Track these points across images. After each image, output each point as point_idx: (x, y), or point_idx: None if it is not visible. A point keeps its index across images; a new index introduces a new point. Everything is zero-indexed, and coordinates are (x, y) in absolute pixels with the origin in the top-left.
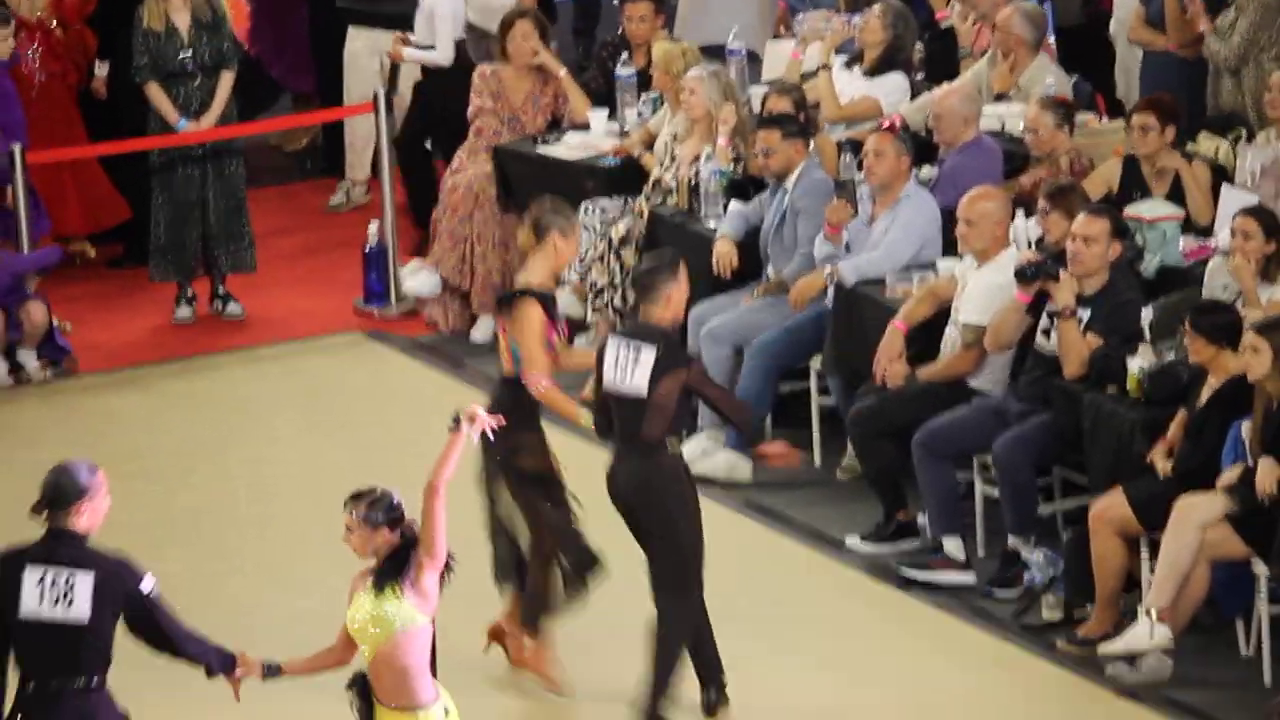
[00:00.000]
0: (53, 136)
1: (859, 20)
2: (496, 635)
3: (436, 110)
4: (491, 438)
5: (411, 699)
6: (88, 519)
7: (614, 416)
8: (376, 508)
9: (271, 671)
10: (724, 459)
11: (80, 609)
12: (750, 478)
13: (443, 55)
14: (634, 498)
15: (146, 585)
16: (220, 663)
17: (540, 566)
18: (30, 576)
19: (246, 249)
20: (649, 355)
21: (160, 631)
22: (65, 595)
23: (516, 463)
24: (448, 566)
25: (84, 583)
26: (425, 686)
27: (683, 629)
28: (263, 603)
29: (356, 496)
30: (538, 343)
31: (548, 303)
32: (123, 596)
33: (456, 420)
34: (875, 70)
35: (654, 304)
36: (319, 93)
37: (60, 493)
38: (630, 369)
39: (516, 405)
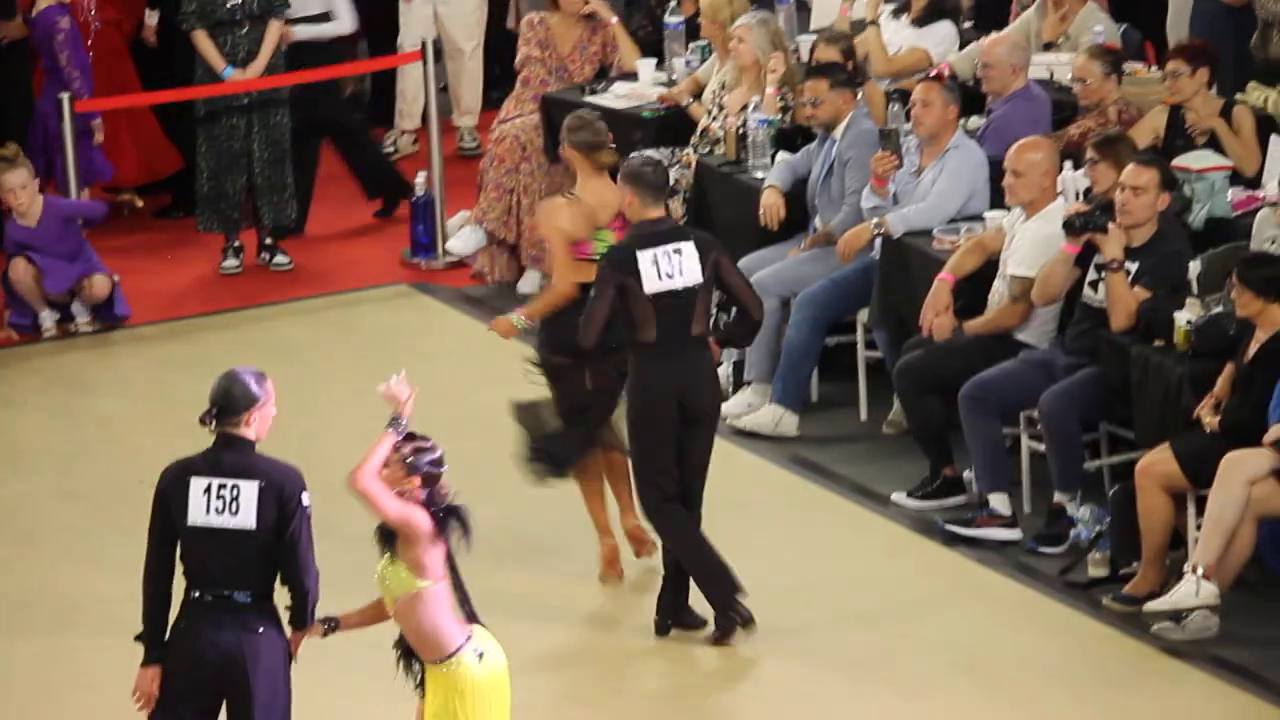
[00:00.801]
0: (109, 85)
1: None
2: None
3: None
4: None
5: (434, 653)
6: (256, 427)
7: (649, 322)
8: (420, 455)
9: (330, 627)
10: (770, 412)
11: (246, 517)
12: (796, 431)
13: (345, 24)
14: (713, 401)
15: (306, 499)
16: (309, 615)
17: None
18: (197, 486)
19: (287, 201)
20: (689, 246)
21: (295, 553)
22: (232, 503)
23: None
24: (445, 528)
25: (249, 491)
26: (447, 638)
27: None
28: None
29: (410, 436)
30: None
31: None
32: (283, 503)
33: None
34: (923, 19)
35: (659, 203)
36: (370, 42)
37: (230, 401)
38: (678, 264)
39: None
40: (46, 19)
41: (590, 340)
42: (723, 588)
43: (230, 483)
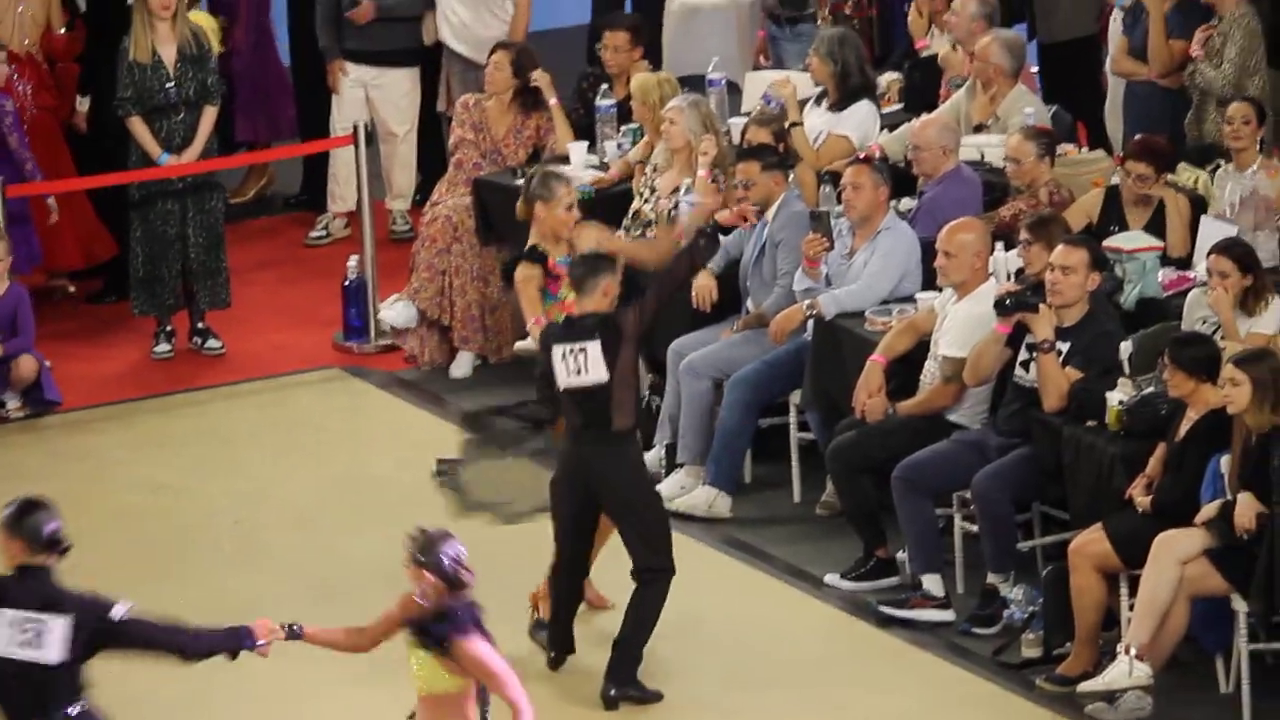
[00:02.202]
0: (46, 170)
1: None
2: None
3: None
4: None
5: None
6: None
7: (573, 410)
8: (413, 545)
9: (294, 634)
10: (703, 494)
11: (50, 651)
12: (730, 512)
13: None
14: (603, 487)
15: (117, 613)
16: (235, 641)
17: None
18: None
19: (222, 285)
20: (594, 346)
21: (156, 642)
22: (37, 637)
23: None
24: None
25: (56, 625)
26: None
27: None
28: None
29: (415, 534)
30: (533, 295)
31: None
32: (95, 631)
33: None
34: (839, 104)
35: (591, 296)
36: (300, 127)
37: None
38: (583, 363)
39: None
40: None
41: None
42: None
43: (35, 616)
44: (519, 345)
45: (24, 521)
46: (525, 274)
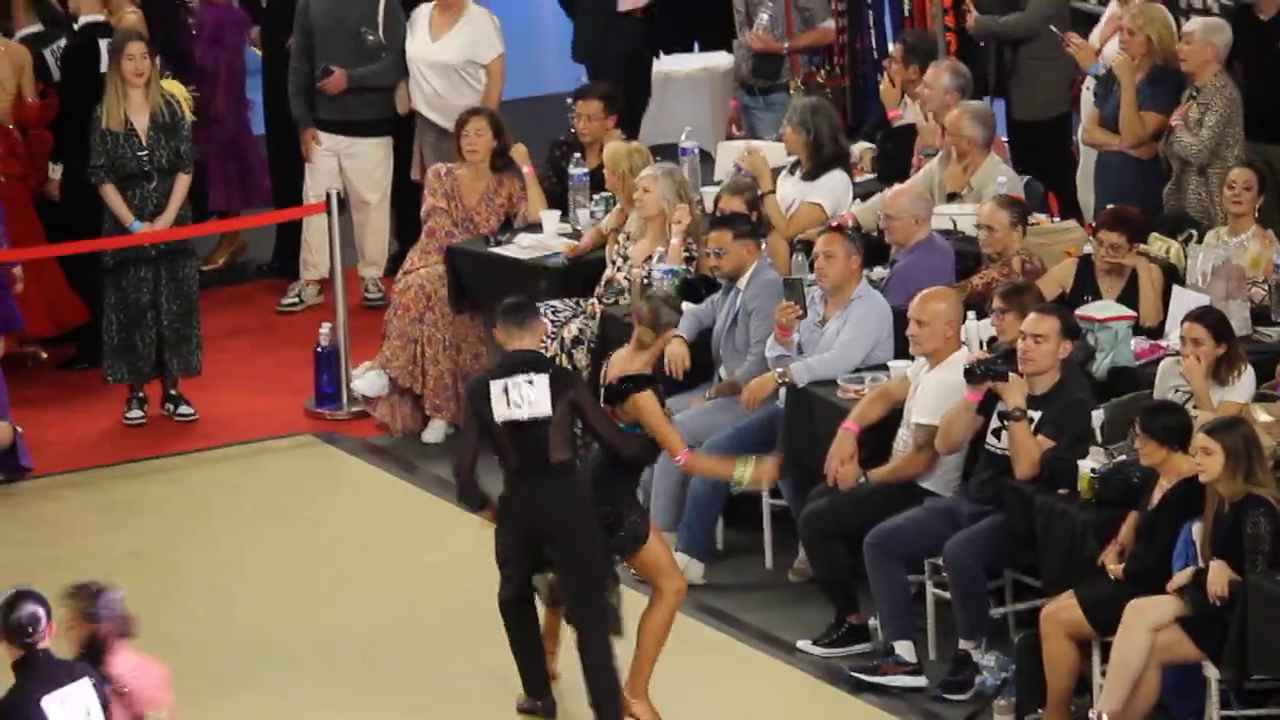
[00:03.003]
0: (13, 238)
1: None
2: None
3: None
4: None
5: None
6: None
7: (510, 450)
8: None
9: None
10: (678, 560)
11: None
12: (701, 578)
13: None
14: (550, 522)
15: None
16: None
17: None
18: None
19: (194, 352)
20: (542, 379)
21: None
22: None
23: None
24: None
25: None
26: None
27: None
28: (215, 706)
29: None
30: (666, 423)
31: (656, 386)
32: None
33: None
34: (812, 173)
35: (528, 334)
36: (274, 195)
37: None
38: (526, 396)
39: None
40: None
41: (461, 477)
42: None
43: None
44: None
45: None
46: (654, 401)
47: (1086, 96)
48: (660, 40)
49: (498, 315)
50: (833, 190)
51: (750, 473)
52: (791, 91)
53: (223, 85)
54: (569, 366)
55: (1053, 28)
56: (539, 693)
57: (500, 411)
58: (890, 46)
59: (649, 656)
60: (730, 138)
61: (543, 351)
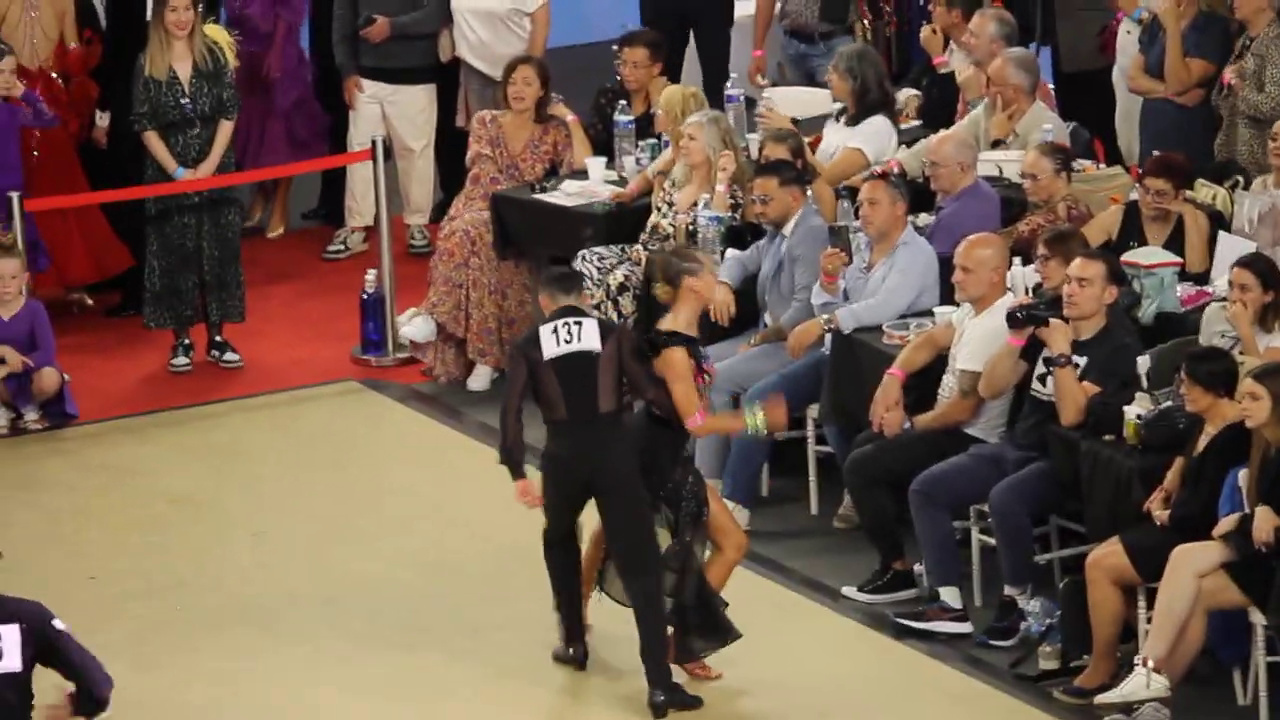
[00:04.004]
0: (56, 185)
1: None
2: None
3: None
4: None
5: None
6: None
7: (558, 398)
8: None
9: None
10: None
11: (12, 659)
12: (747, 525)
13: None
14: (622, 476)
15: (58, 623)
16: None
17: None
18: None
19: (238, 299)
20: (591, 321)
21: (84, 667)
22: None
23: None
24: None
25: (8, 632)
26: None
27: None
28: (261, 649)
29: None
30: (689, 386)
31: (693, 346)
32: (41, 639)
33: None
34: (855, 119)
35: (573, 296)
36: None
37: None
38: (577, 332)
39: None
40: None
41: (509, 437)
42: (568, 628)
43: None
44: None
45: None
46: (684, 362)
47: (1125, 40)
48: None
49: (542, 281)
50: (875, 136)
51: (760, 421)
52: (856, 35)
53: (279, 46)
54: (614, 315)
55: None
56: (574, 639)
57: (549, 349)
58: None
59: None
60: (758, 87)
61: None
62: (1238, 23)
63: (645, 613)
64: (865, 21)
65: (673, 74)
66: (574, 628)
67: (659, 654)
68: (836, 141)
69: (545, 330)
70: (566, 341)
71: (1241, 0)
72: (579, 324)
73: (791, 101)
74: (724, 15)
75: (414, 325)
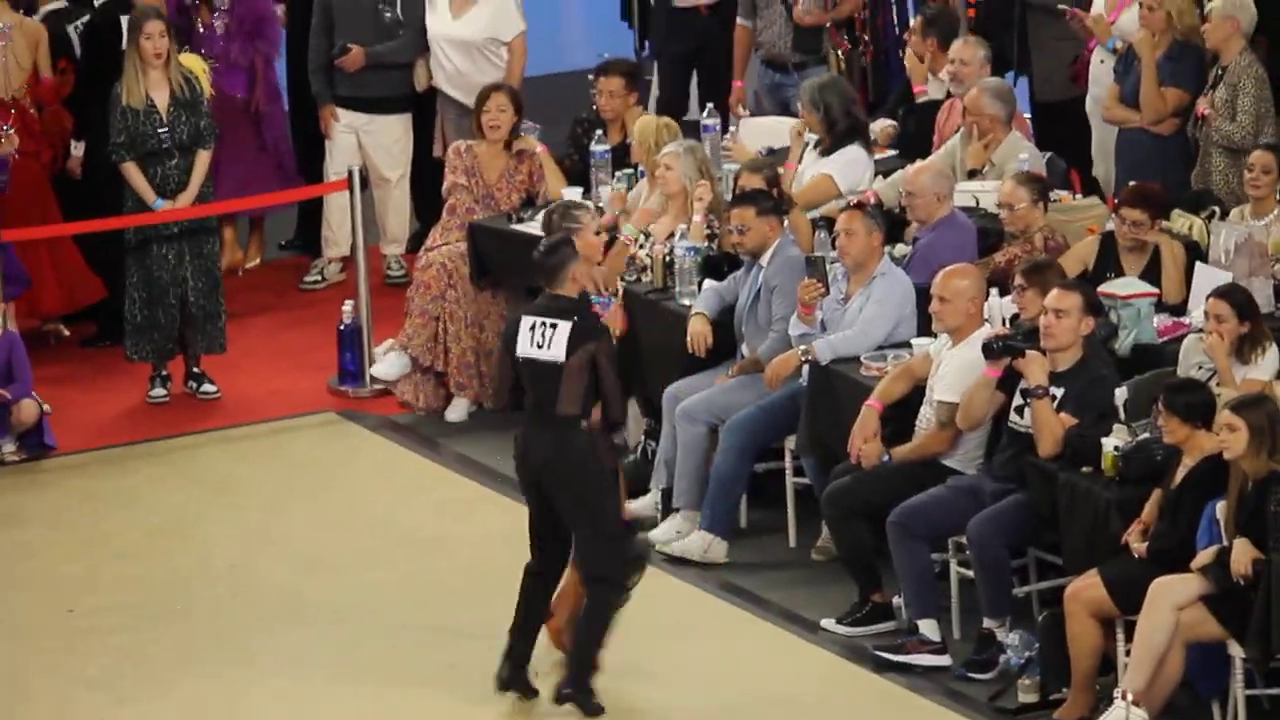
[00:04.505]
0: (27, 216)
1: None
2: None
3: None
4: None
5: None
6: None
7: (527, 389)
8: None
9: None
10: (699, 539)
11: None
12: (725, 558)
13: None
14: (546, 472)
15: None
16: None
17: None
18: None
19: (220, 329)
20: (565, 326)
21: None
22: None
23: None
24: None
25: None
26: None
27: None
28: (238, 681)
29: None
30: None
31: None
32: None
33: None
34: (829, 150)
35: (560, 285)
36: (300, 170)
37: None
38: (548, 338)
39: None
40: None
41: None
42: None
43: None
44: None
45: None
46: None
47: (1099, 69)
48: None
49: (533, 260)
50: (848, 165)
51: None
52: (830, 64)
53: (261, 79)
54: None
55: (1061, 5)
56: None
57: (522, 347)
58: (911, 21)
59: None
60: (736, 117)
61: (576, 298)
62: (1212, 52)
63: (586, 624)
64: (839, 52)
65: (676, 109)
66: (514, 658)
67: (581, 659)
68: (808, 171)
69: (524, 324)
70: (538, 345)
71: (1211, 29)
72: (553, 327)
73: (764, 131)
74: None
75: (385, 363)
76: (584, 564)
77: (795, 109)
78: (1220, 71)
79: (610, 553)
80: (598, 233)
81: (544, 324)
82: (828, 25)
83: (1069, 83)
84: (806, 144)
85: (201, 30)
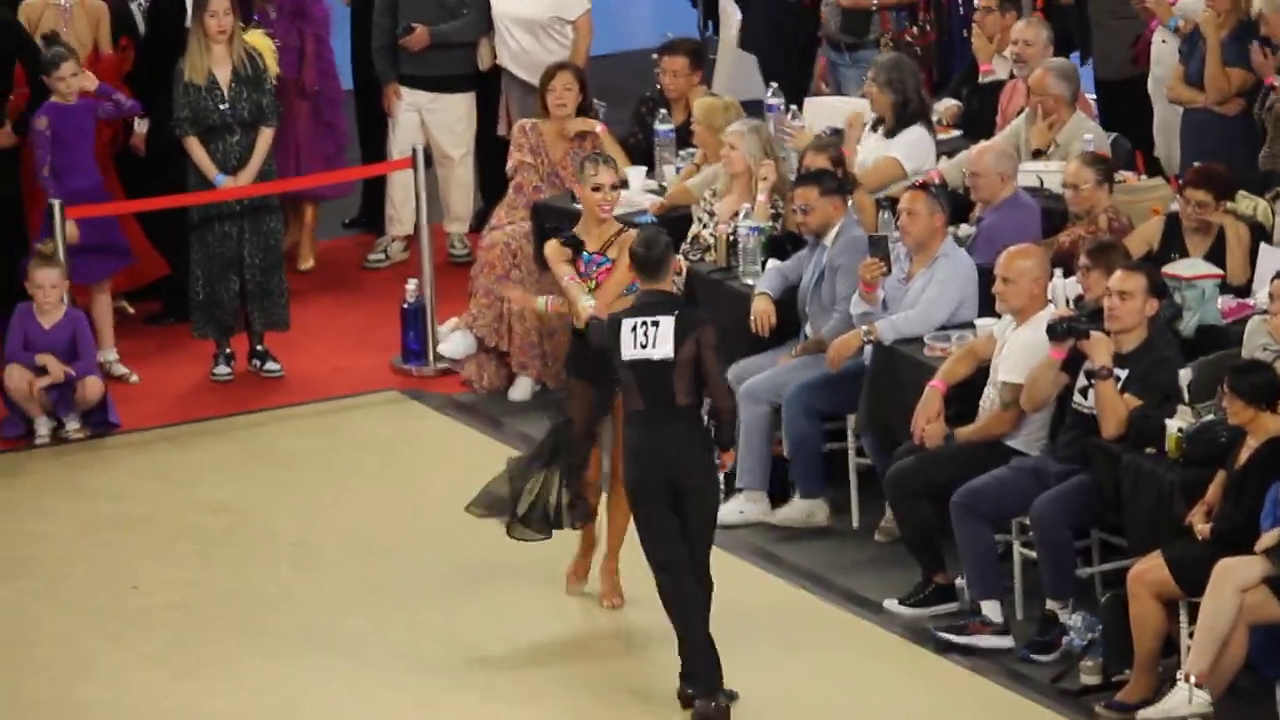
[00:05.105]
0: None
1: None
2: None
3: None
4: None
5: None
6: None
7: (636, 390)
8: None
9: None
10: (800, 508)
11: None
12: (828, 520)
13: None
14: (680, 465)
15: None
16: None
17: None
18: None
19: (282, 307)
20: (669, 321)
21: None
22: None
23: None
24: None
25: None
26: None
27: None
28: (300, 659)
29: None
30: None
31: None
32: None
33: None
34: (893, 130)
35: (658, 277)
36: (362, 149)
37: None
38: (653, 336)
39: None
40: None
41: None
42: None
43: None
44: None
45: None
46: (555, 251)
47: (1160, 49)
48: None
49: (631, 257)
50: (913, 146)
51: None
52: (880, 48)
53: (310, 60)
54: None
55: None
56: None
57: (628, 350)
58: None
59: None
60: (818, 94)
61: (674, 292)
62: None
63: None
64: (886, 36)
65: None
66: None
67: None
68: (873, 151)
69: (626, 326)
70: (642, 345)
71: (1272, 24)
72: (656, 325)
73: (828, 111)
74: None
75: (451, 342)
76: (701, 556)
77: (846, 89)
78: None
79: (710, 538)
80: (596, 188)
81: (645, 324)
82: (874, 7)
83: (1128, 62)
84: (865, 124)
85: (257, 18)
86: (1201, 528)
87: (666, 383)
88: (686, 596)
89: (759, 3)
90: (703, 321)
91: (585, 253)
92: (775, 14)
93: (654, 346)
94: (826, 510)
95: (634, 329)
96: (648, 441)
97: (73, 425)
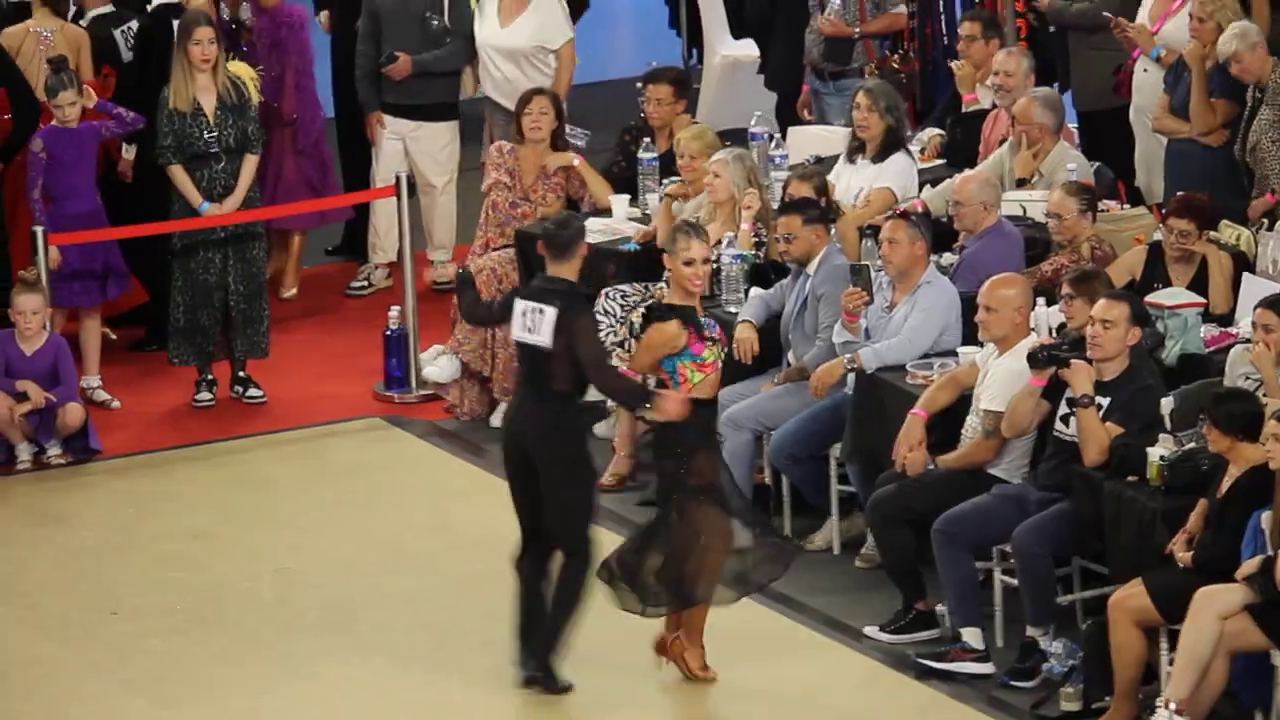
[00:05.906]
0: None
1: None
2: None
3: None
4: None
5: None
6: None
7: (520, 365)
8: None
9: None
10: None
11: None
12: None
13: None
14: (535, 445)
15: None
16: None
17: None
18: None
19: (263, 334)
20: (551, 312)
21: None
22: None
23: (688, 481)
24: None
25: None
26: None
27: (587, 579)
28: (282, 685)
29: None
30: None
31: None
32: None
33: None
34: (879, 155)
35: (564, 263)
36: (344, 178)
37: None
38: (538, 323)
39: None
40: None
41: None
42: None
43: None
44: None
45: None
46: (666, 331)
47: (1143, 79)
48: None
49: (541, 234)
50: (901, 174)
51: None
52: (865, 75)
53: (289, 89)
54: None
55: (1105, 13)
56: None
57: (515, 330)
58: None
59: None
60: (801, 122)
61: (573, 281)
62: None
63: (559, 590)
64: (870, 64)
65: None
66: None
67: (551, 631)
68: (858, 182)
69: (518, 306)
70: (528, 330)
71: (1244, 69)
72: (541, 313)
73: (811, 139)
74: None
75: (438, 365)
76: (559, 537)
77: (829, 118)
78: (1259, 94)
79: (580, 522)
80: (688, 263)
81: (534, 309)
82: (857, 37)
83: (1107, 92)
84: (838, 156)
85: (245, 49)
86: (1183, 556)
87: (544, 368)
88: (526, 574)
89: (779, 41)
90: (580, 309)
91: (700, 319)
92: (795, 53)
93: (537, 333)
94: (837, 530)
95: (524, 313)
96: (514, 417)
97: (54, 451)
